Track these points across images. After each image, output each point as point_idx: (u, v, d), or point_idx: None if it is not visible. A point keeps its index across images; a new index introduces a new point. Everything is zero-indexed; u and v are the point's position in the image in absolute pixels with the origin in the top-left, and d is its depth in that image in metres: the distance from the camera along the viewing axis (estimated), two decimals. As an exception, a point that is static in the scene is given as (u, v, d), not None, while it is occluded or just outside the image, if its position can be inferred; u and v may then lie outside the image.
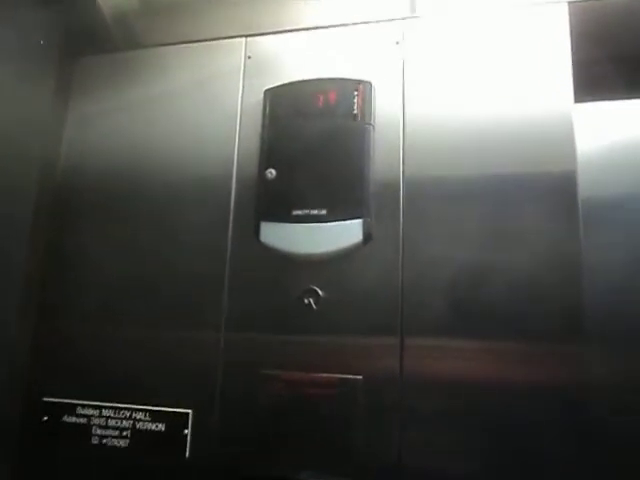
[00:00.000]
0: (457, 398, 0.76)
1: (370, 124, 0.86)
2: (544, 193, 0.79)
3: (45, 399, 0.90)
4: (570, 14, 0.82)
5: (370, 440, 0.77)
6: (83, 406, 0.89)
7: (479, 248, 0.79)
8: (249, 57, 0.96)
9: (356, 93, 0.87)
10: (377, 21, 0.91)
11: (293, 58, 0.94)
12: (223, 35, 0.98)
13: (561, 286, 0.76)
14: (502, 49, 0.85)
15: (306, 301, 0.83)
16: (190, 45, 1.01)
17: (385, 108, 0.87)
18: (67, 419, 0.89)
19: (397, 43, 0.89)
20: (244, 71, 0.96)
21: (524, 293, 0.77)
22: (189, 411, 0.84)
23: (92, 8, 1.08)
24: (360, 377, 0.79)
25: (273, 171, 0.87)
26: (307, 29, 0.94)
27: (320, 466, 0.78)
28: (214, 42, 0.99)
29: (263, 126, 0.90)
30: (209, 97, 0.96)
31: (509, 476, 0.72)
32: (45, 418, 0.90)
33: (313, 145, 0.87)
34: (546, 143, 0.80)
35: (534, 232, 0.78)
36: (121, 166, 0.98)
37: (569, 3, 0.83)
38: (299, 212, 0.84)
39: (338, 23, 0.93)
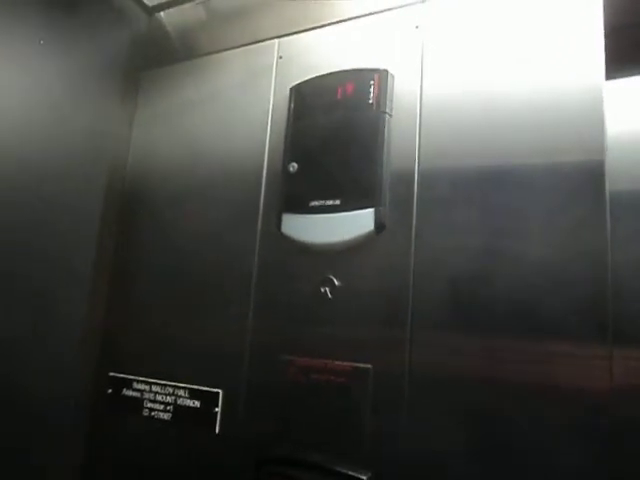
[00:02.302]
0: (466, 395, 0.72)
1: (385, 112, 0.85)
2: (568, 184, 0.71)
3: (111, 374, 1.04)
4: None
5: (378, 427, 0.77)
6: (138, 381, 1.00)
7: (495, 240, 0.75)
8: (280, 57, 1.00)
9: (372, 82, 0.86)
10: (399, 6, 0.90)
11: (319, 53, 0.96)
12: (259, 38, 1.04)
13: (586, 282, 0.68)
14: (527, 24, 0.79)
15: (322, 290, 0.85)
16: (232, 51, 1.08)
17: (405, 95, 0.86)
18: (126, 392, 1.01)
19: (417, 27, 0.87)
20: (276, 70, 1.00)
21: (544, 288, 0.70)
22: (219, 391, 0.91)
23: (155, 25, 1.21)
24: (370, 366, 0.79)
25: (295, 164, 0.90)
26: (331, 24, 0.96)
27: (331, 449, 0.79)
28: (252, 46, 1.05)
29: (288, 122, 0.94)
30: (247, 97, 1.02)
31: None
32: (110, 390, 1.03)
33: (331, 137, 0.88)
34: (571, 128, 0.72)
35: (556, 224, 0.71)
36: (176, 163, 1.09)
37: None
38: (316, 203, 0.87)
39: (361, 14, 0.93)
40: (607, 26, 0.71)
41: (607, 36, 0.71)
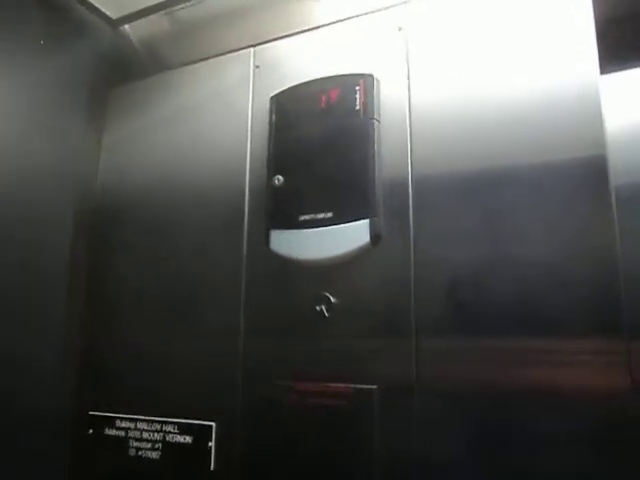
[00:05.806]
0: (477, 405, 0.68)
1: (374, 119, 0.81)
2: (570, 183, 0.69)
3: (91, 412, 0.96)
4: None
5: (387, 450, 0.72)
6: (121, 419, 0.92)
7: (497, 244, 0.71)
8: (257, 66, 0.96)
9: (358, 88, 0.83)
10: (379, 9, 0.87)
11: (298, 61, 0.92)
12: (233, 48, 0.99)
13: (596, 278, 0.65)
14: (516, 21, 0.76)
15: (318, 308, 0.80)
16: (205, 62, 1.03)
17: (392, 100, 0.82)
18: (108, 432, 0.93)
19: (400, 29, 0.84)
20: (253, 80, 0.96)
21: (550, 289, 0.67)
22: (212, 424, 0.84)
23: (121, 39, 1.15)
24: (374, 387, 0.74)
25: (280, 177, 0.85)
26: (310, 30, 0.92)
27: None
28: (226, 56, 1.00)
29: (269, 133, 0.89)
30: (223, 109, 0.97)
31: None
32: (90, 431, 0.95)
33: (317, 147, 0.84)
34: (569, 125, 0.70)
35: (559, 223, 0.68)
36: (151, 183, 1.02)
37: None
38: (306, 217, 0.82)
39: (340, 18, 0.90)
40: (598, 20, 0.69)
41: (599, 30, 0.69)
